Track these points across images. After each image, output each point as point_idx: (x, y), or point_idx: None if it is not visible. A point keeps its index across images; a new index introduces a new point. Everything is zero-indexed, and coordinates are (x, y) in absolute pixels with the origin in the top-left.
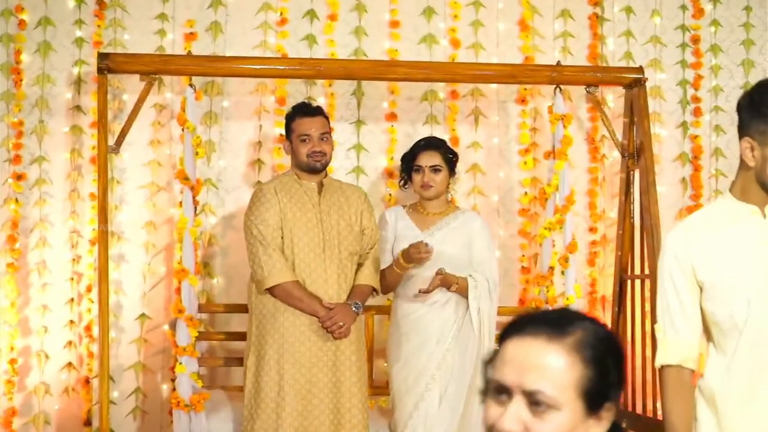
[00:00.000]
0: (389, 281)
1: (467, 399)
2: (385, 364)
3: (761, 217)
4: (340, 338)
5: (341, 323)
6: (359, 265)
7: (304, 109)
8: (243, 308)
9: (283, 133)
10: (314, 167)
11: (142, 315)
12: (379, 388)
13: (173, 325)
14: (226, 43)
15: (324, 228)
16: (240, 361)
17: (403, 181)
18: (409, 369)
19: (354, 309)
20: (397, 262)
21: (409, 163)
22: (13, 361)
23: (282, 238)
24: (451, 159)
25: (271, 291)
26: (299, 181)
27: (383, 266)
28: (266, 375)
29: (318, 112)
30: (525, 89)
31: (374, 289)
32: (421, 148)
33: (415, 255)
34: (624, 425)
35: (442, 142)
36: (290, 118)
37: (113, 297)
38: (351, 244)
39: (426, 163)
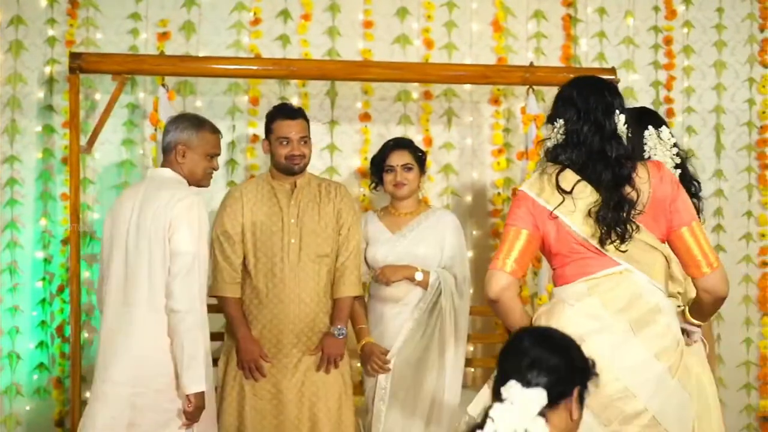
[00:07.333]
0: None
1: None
2: (358, 365)
3: None
4: (335, 367)
5: (336, 356)
6: (340, 275)
7: (285, 111)
8: (219, 308)
9: (257, 133)
10: (292, 170)
11: None
12: (356, 387)
13: None
14: (199, 43)
15: (290, 231)
16: (217, 361)
17: (374, 184)
18: None
19: (338, 335)
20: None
21: (379, 165)
22: None
23: (244, 242)
24: (420, 157)
25: (217, 298)
26: (272, 182)
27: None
28: (232, 380)
29: (299, 114)
30: (498, 90)
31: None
32: (390, 148)
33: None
34: None
35: (410, 141)
36: (271, 119)
37: (85, 297)
38: (320, 246)
39: (397, 162)
